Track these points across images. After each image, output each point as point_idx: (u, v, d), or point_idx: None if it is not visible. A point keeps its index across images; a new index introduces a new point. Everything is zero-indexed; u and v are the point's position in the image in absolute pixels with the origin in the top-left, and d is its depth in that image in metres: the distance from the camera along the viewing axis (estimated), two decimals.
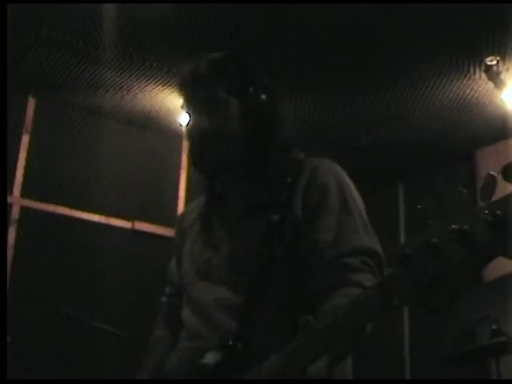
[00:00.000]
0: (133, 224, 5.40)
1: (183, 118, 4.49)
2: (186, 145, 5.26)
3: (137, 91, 5.03)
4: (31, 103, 5.20)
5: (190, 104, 1.84)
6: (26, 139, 5.12)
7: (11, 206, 4.90)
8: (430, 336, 5.68)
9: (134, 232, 5.39)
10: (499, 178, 1.07)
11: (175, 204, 5.59)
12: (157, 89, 4.97)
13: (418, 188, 6.40)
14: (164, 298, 2.05)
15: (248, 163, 1.80)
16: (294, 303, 1.68)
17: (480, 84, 4.76)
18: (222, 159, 1.78)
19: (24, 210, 4.97)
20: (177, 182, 5.60)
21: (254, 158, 1.79)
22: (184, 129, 1.82)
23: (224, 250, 1.77)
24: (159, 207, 5.57)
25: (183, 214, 2.05)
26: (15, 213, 4.91)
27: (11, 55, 4.61)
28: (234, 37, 4.33)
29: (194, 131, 1.81)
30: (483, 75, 4.62)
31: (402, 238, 6.40)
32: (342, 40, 4.35)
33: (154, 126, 5.44)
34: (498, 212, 1.05)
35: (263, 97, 1.80)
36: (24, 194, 5.01)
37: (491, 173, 1.09)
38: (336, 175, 1.78)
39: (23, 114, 5.16)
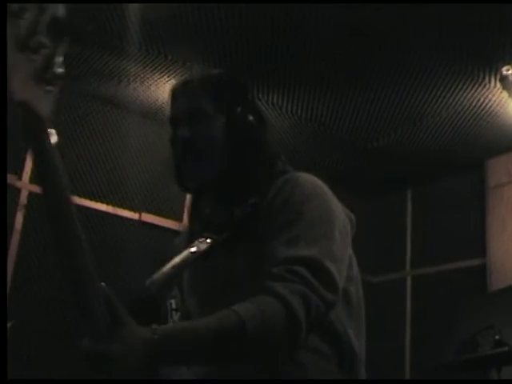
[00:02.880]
0: (140, 215, 5.41)
1: None
2: None
3: (151, 83, 5.03)
4: None
5: (177, 115, 1.85)
6: None
7: (20, 190, 4.91)
8: (432, 344, 5.67)
9: (141, 223, 5.40)
10: None
11: (182, 196, 5.59)
12: (171, 81, 4.97)
13: (427, 195, 6.39)
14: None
15: (228, 181, 1.79)
16: None
17: (494, 93, 4.74)
18: (200, 172, 1.79)
19: (32, 196, 4.98)
20: None
21: (234, 176, 1.79)
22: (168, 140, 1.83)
23: (214, 271, 1.79)
24: (166, 199, 5.58)
25: (174, 245, 2.05)
26: (23, 198, 4.91)
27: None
28: (247, 33, 4.33)
29: (176, 142, 1.82)
30: (498, 84, 4.61)
31: (409, 244, 6.39)
32: (357, 43, 4.33)
33: (166, 119, 5.43)
34: None
35: (250, 117, 1.79)
36: (33, 179, 5.02)
37: None
38: (304, 185, 1.71)
39: None
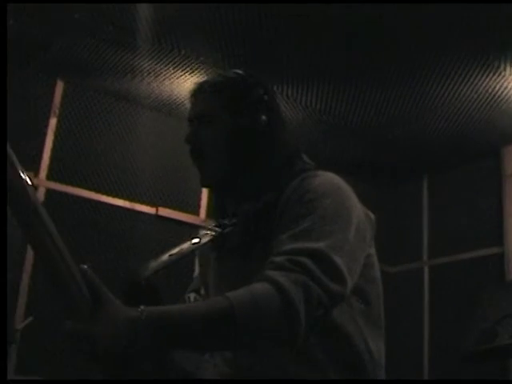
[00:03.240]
0: (157, 210, 5.43)
1: None
2: None
3: (165, 78, 5.04)
4: (59, 86, 5.23)
5: (190, 117, 1.89)
6: (53, 122, 5.16)
7: (37, 188, 4.94)
8: (450, 334, 5.66)
9: (158, 218, 5.42)
10: None
11: (199, 190, 5.61)
12: (184, 76, 4.98)
13: (443, 183, 6.37)
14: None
15: (239, 181, 1.82)
16: None
17: (510, 81, 4.71)
18: (206, 173, 1.83)
19: (50, 193, 5.01)
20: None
21: (244, 177, 1.82)
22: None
23: (234, 275, 1.78)
24: (183, 194, 5.60)
25: (199, 250, 2.07)
26: (41, 195, 4.95)
27: (42, 37, 4.65)
28: (262, 28, 4.32)
29: (187, 141, 1.86)
30: None
31: (426, 234, 6.38)
32: (373, 33, 4.32)
33: (181, 113, 5.45)
34: None
35: (263, 118, 1.82)
36: (50, 176, 5.05)
37: None
38: (321, 182, 1.70)
39: (51, 97, 5.19)
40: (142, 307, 1.35)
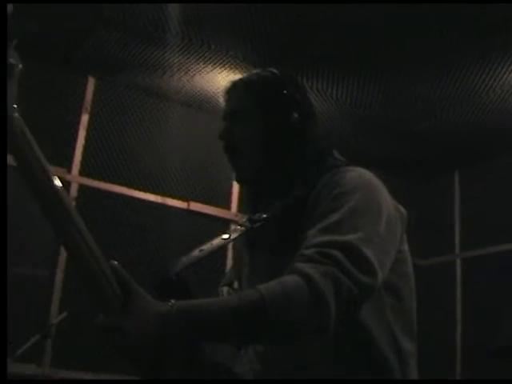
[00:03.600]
0: (188, 204, 5.46)
1: None
2: None
3: (195, 73, 5.06)
4: (91, 83, 5.28)
5: (223, 114, 1.92)
6: (85, 118, 5.20)
7: (69, 183, 4.99)
8: (483, 328, 5.63)
9: (189, 212, 5.45)
10: None
11: (230, 185, 5.63)
12: (215, 70, 4.99)
13: (475, 176, 6.33)
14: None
15: (271, 176, 1.83)
16: None
17: None
18: (238, 168, 1.86)
19: (82, 189, 5.06)
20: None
21: (275, 172, 1.83)
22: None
23: (266, 271, 1.76)
24: (214, 188, 5.62)
25: (234, 244, 2.09)
26: (73, 191, 4.99)
27: (73, 35, 4.69)
28: (290, 21, 4.32)
29: (221, 138, 1.89)
30: None
31: (457, 227, 6.34)
32: (403, 24, 4.30)
33: (211, 108, 5.48)
34: None
35: (295, 115, 1.83)
36: (82, 172, 5.10)
37: None
38: (352, 176, 1.69)
39: (83, 94, 5.24)
40: (172, 301, 1.36)
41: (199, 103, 5.53)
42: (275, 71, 1.91)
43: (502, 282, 5.64)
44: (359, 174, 1.71)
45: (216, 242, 1.86)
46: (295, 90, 1.88)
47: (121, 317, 1.31)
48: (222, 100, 1.96)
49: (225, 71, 4.98)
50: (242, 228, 1.87)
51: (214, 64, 4.91)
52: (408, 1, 3.98)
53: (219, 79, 5.10)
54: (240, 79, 1.93)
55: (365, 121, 5.59)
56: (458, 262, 6.24)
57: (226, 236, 1.86)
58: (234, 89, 1.91)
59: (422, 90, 5.03)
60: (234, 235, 1.87)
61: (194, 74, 5.09)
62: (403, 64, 4.74)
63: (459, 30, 4.31)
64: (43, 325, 4.17)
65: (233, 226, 1.89)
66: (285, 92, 1.86)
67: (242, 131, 1.85)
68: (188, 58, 4.87)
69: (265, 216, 1.82)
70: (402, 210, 1.77)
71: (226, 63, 4.87)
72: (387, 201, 1.70)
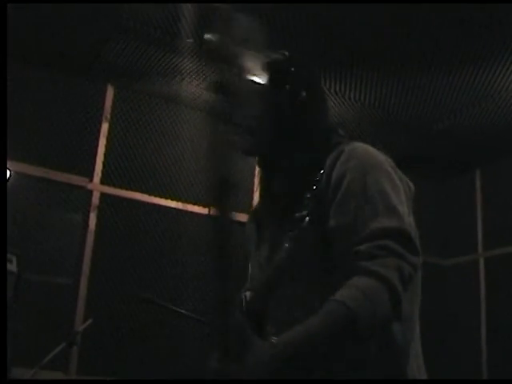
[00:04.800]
0: (209, 210, 5.46)
1: None
2: None
3: (212, 79, 5.07)
4: (110, 91, 5.32)
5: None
6: (105, 127, 5.24)
7: (91, 192, 5.02)
8: (508, 327, 5.59)
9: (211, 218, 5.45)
10: None
11: (251, 191, 5.64)
12: None
13: (496, 174, 6.30)
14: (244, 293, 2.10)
15: (285, 153, 1.87)
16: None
17: None
18: (247, 146, 1.90)
19: (103, 197, 5.09)
20: (253, 171, 5.64)
21: (285, 149, 1.87)
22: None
23: (280, 247, 1.81)
24: (235, 193, 5.63)
25: (249, 217, 2.14)
26: (95, 199, 5.03)
27: (91, 45, 4.72)
28: (307, 24, 4.33)
29: (233, 119, 1.93)
30: None
31: (479, 226, 6.31)
32: (422, 23, 4.29)
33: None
34: None
35: (303, 94, 1.88)
36: (104, 180, 5.13)
37: None
38: (360, 157, 1.75)
39: (102, 102, 5.27)
40: (273, 339, 1.49)
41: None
42: (285, 52, 1.97)
43: None
44: (364, 152, 1.78)
45: (275, 261, 1.88)
46: (304, 71, 1.95)
47: (237, 366, 1.44)
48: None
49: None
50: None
51: None
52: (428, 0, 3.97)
53: None
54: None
55: (385, 121, 5.58)
56: (482, 260, 6.20)
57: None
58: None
59: (441, 89, 5.02)
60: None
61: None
62: (422, 63, 4.73)
63: (479, 32, 4.30)
64: (69, 333, 4.20)
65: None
66: (294, 71, 1.91)
67: (251, 109, 1.89)
68: (205, 65, 4.89)
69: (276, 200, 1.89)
70: (409, 181, 1.83)
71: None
72: (397, 174, 1.77)
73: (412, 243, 1.59)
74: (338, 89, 5.05)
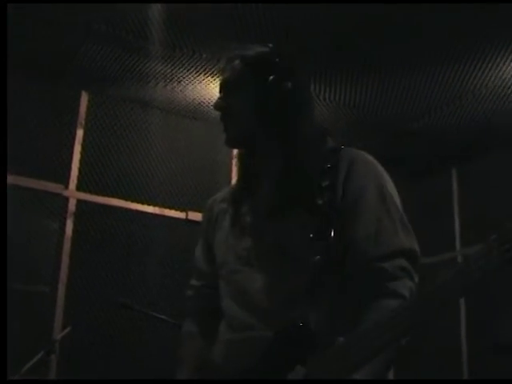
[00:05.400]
0: (186, 214, 5.45)
1: None
2: None
3: (187, 82, 5.07)
4: (84, 98, 5.28)
5: (220, 85, 1.99)
6: (80, 133, 5.20)
7: (67, 199, 4.99)
8: (488, 327, 5.61)
9: (188, 222, 5.44)
10: None
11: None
12: (207, 79, 5.00)
13: (472, 173, 6.32)
14: (190, 292, 2.08)
15: (273, 147, 1.88)
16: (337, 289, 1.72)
17: None
18: (229, 135, 1.93)
19: (80, 203, 5.06)
20: (229, 172, 5.64)
21: (278, 143, 1.87)
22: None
23: (268, 238, 1.81)
24: (212, 196, 5.61)
25: (211, 203, 2.18)
26: (72, 206, 4.99)
27: (64, 50, 4.69)
28: (281, 24, 4.33)
29: (216, 108, 1.96)
30: None
31: (457, 225, 6.33)
32: (396, 23, 4.30)
33: (205, 117, 5.47)
34: None
35: (288, 85, 1.87)
36: (79, 187, 5.09)
37: None
38: (374, 170, 1.83)
39: (77, 109, 5.24)
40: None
41: (193, 113, 5.52)
42: (270, 45, 1.99)
43: (507, 279, 5.62)
44: (373, 164, 1.86)
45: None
46: (289, 64, 1.94)
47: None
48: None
49: (217, 80, 4.98)
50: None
51: (207, 73, 4.92)
52: (405, 1, 3.97)
53: (211, 88, 5.10)
54: (236, 53, 1.98)
55: (360, 121, 5.59)
56: (460, 259, 6.22)
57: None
58: (229, 61, 1.96)
59: (416, 88, 5.03)
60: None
61: (186, 84, 5.09)
62: (397, 62, 4.74)
63: (450, 28, 4.31)
64: (47, 341, 4.16)
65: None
66: (278, 63, 1.91)
67: (235, 101, 1.90)
68: (180, 68, 4.88)
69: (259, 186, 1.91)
70: None
71: (219, 71, 4.87)
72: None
73: (418, 263, 1.74)
74: (312, 89, 5.05)
